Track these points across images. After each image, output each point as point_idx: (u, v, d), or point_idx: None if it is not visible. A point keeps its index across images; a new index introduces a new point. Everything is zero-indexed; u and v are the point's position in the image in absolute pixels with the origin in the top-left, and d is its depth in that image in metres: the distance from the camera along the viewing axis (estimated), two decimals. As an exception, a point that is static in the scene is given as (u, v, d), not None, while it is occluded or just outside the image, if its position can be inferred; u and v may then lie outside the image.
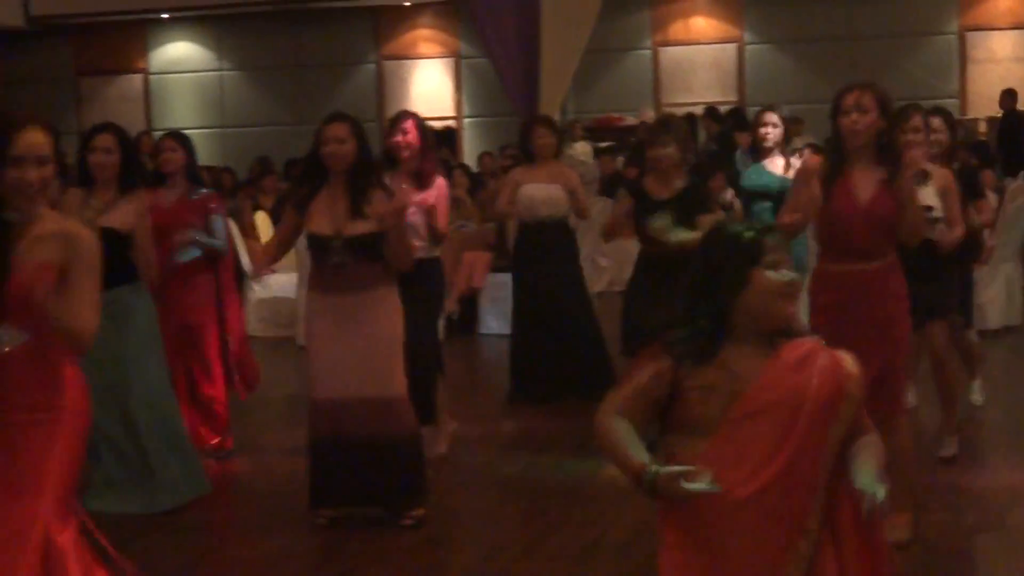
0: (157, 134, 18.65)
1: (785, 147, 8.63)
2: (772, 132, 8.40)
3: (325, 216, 6.34)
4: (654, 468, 3.29)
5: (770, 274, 3.43)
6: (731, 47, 20.62)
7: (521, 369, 9.27)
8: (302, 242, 12.07)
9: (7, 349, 3.95)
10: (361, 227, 6.26)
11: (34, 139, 3.95)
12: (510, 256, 12.42)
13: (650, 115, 20.17)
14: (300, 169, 6.90)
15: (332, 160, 6.30)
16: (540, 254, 9.05)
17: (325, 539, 6.34)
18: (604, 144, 18.56)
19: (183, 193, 7.77)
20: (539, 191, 8.96)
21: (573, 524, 6.45)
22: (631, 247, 14.40)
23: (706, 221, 7.35)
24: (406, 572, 5.85)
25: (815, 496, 3.34)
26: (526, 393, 9.20)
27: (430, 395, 7.57)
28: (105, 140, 6.85)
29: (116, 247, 6.38)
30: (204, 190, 7.93)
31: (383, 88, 21.49)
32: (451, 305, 12.25)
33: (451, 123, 20.98)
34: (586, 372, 9.01)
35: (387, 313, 6.35)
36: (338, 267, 6.32)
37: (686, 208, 7.46)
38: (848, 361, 3.42)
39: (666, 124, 7.84)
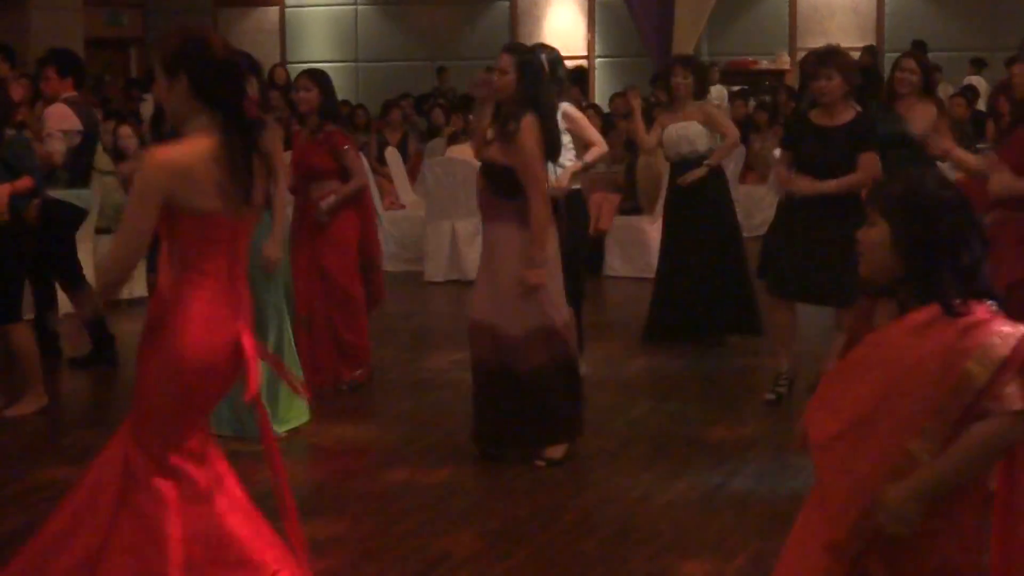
0: (292, 67, 18.87)
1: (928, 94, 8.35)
2: (909, 78, 8.17)
3: (477, 142, 6.54)
4: None
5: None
6: (870, -9, 20.25)
7: (659, 308, 9.31)
8: (432, 176, 12.23)
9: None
10: (494, 154, 6.36)
11: None
12: (637, 198, 12.46)
13: (785, 59, 19.96)
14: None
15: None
16: (687, 193, 9.03)
17: (448, 474, 6.42)
18: (737, 88, 18.36)
19: (312, 131, 7.85)
20: (675, 131, 8.98)
21: (694, 471, 6.45)
22: (759, 192, 14.40)
23: (865, 160, 7.21)
24: (524, 511, 5.89)
25: (896, 465, 3.19)
26: (659, 334, 9.27)
27: None
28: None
29: None
30: (330, 127, 7.90)
31: (516, 26, 21.44)
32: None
33: (583, 62, 20.88)
34: (730, 310, 9.06)
35: (511, 253, 6.35)
36: (480, 192, 6.49)
37: (852, 140, 7.31)
38: (991, 340, 3.13)
39: (830, 55, 7.65)
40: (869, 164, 7.20)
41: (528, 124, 6.26)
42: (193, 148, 3.91)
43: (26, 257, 7.62)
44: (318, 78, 7.93)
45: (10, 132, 7.39)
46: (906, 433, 3.17)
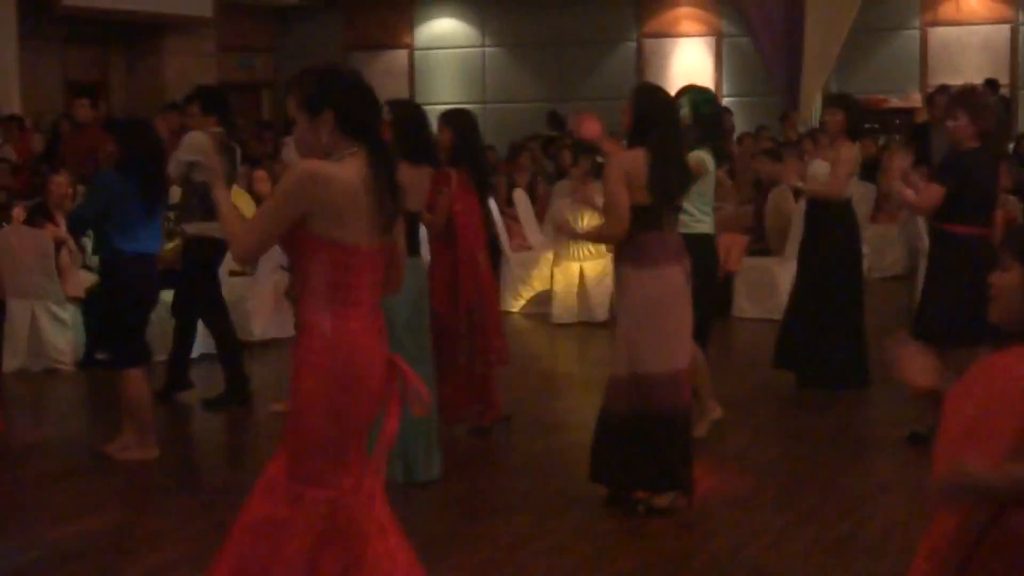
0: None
1: None
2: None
3: None
4: None
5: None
6: (1004, 28, 19.93)
7: (785, 344, 9.16)
8: (560, 218, 12.27)
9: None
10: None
11: None
12: (766, 239, 12.37)
13: (916, 97, 19.72)
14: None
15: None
16: (818, 233, 8.96)
17: (577, 518, 6.40)
18: (867, 126, 18.10)
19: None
20: (813, 169, 8.95)
21: (826, 516, 6.38)
22: (891, 232, 14.22)
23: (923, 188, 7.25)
24: (654, 557, 5.86)
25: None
26: (786, 366, 9.15)
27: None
28: None
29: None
30: (450, 169, 7.78)
31: (643, 66, 21.45)
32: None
33: (711, 102, 20.79)
34: (840, 363, 8.89)
35: (625, 293, 6.37)
36: None
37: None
38: None
39: (960, 96, 7.59)
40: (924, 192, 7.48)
41: (613, 160, 6.29)
42: (347, 168, 3.96)
43: (141, 304, 7.58)
44: (451, 120, 7.92)
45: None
46: (990, 454, 3.08)
